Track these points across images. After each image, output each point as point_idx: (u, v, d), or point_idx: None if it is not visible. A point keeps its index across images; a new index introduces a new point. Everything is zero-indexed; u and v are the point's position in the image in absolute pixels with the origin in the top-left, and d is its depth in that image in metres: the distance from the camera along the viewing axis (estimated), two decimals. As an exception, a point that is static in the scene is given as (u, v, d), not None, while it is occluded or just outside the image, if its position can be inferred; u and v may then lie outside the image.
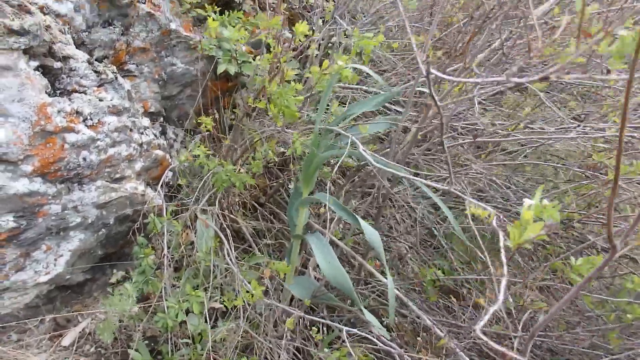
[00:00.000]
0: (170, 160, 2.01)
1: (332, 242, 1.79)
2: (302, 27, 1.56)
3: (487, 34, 1.69)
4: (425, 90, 1.68)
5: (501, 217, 1.12)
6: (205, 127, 1.77)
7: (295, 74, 1.73)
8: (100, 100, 1.73)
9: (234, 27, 1.76)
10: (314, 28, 2.14)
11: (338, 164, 1.55)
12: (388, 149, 1.78)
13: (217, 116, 1.99)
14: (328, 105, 1.68)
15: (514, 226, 0.81)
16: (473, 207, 1.06)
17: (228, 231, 1.85)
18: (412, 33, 2.63)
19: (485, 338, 0.76)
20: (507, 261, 0.89)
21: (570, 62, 0.85)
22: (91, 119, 1.70)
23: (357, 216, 1.57)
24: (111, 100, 1.76)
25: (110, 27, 1.85)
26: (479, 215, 1.06)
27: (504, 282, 0.86)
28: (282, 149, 1.89)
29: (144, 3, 1.95)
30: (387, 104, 2.03)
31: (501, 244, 0.93)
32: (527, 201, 0.84)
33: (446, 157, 1.35)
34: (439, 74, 0.61)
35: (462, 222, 2.05)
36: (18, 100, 1.50)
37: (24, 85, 1.50)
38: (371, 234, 1.54)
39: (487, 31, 1.68)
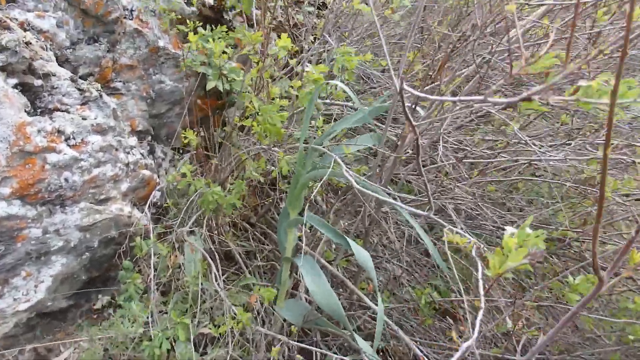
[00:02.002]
0: (158, 180, 1.94)
1: (323, 266, 1.73)
2: (284, 41, 1.52)
3: (464, 55, 1.66)
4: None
5: (482, 246, 1.06)
6: (190, 143, 1.70)
7: (285, 92, 1.69)
8: (84, 119, 1.66)
9: (215, 40, 1.71)
10: (304, 45, 2.10)
11: (319, 185, 1.50)
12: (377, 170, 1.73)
13: (206, 135, 1.93)
14: (312, 124, 1.62)
15: (495, 254, 0.75)
16: (451, 234, 1.00)
17: (216, 254, 1.78)
18: (397, 50, 2.60)
19: None
20: (488, 289, 0.83)
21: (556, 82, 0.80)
22: (74, 138, 1.63)
23: (346, 237, 1.51)
24: (95, 118, 1.70)
25: (96, 44, 1.79)
26: (458, 243, 1.00)
27: (479, 314, 0.80)
28: (272, 167, 1.83)
29: (132, 19, 1.89)
30: (376, 121, 1.98)
31: (479, 274, 0.86)
32: (509, 229, 0.78)
33: (424, 181, 1.29)
34: (412, 91, 0.56)
35: (452, 242, 1.99)
36: (-4, 120, 1.43)
37: (1, 103, 1.43)
38: (361, 255, 1.49)
39: (464, 52, 1.65)
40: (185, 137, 1.78)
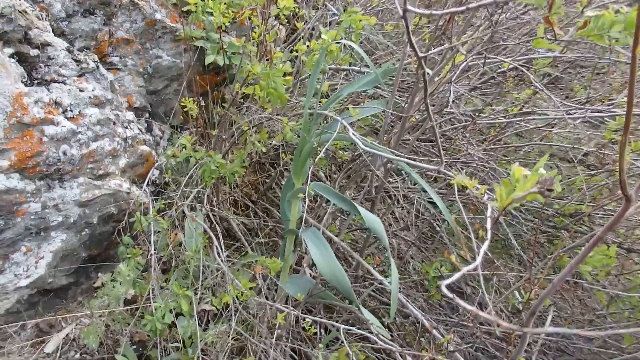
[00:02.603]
0: (156, 157, 1.94)
1: (328, 238, 1.73)
2: (286, 1, 1.50)
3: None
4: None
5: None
6: (190, 115, 1.70)
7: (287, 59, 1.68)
8: (81, 90, 1.67)
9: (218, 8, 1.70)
10: (305, 12, 2.09)
11: (325, 147, 1.48)
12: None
13: (205, 112, 1.93)
14: (318, 87, 1.61)
15: (502, 184, 0.73)
16: (459, 177, 0.98)
17: (218, 229, 1.78)
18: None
19: (449, 294, 0.67)
20: (496, 219, 0.81)
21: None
22: (71, 111, 1.64)
23: (353, 203, 1.51)
24: (93, 90, 1.70)
25: (92, 17, 1.79)
26: (467, 187, 0.98)
27: (485, 245, 0.78)
28: (274, 141, 1.83)
29: (128, -8, 1.89)
30: (382, 90, 1.97)
31: (488, 212, 0.85)
32: (516, 164, 0.76)
33: (432, 128, 1.26)
34: (416, 10, 0.54)
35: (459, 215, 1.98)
36: (-8, 90, 1.44)
37: (-2, 74, 1.44)
38: (371, 220, 1.49)
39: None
40: (185, 110, 1.78)
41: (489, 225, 0.71)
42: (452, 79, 1.63)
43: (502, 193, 0.66)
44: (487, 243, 0.68)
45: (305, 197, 1.39)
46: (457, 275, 0.73)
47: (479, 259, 0.72)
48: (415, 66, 1.68)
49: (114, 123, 1.78)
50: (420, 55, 1.13)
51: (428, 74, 1.77)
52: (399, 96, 1.94)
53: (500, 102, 1.95)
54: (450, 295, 0.68)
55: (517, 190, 0.65)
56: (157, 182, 1.96)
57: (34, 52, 1.54)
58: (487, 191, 0.99)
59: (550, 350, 1.98)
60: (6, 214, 1.55)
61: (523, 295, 1.75)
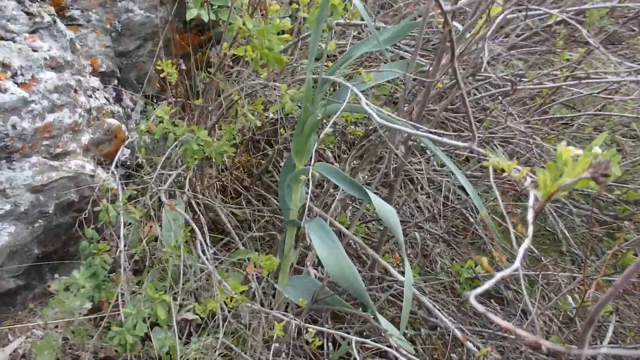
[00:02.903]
0: (127, 133, 1.89)
1: (337, 231, 1.68)
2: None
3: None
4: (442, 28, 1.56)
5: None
6: (168, 79, 1.64)
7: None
8: (35, 50, 1.61)
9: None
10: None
11: (332, 120, 1.43)
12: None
13: (186, 79, 1.88)
14: (323, 48, 1.56)
15: (547, 168, 0.68)
16: (495, 158, 0.93)
17: (203, 220, 1.73)
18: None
19: (480, 307, 0.62)
20: (539, 210, 0.76)
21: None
22: (22, 75, 1.59)
23: (365, 189, 1.47)
24: (48, 50, 1.65)
25: (46, -40, 1.74)
26: (503, 171, 0.93)
27: (525, 242, 0.74)
28: (269, 114, 1.77)
29: None
30: (401, 50, 1.91)
31: (530, 201, 0.80)
32: (564, 142, 0.71)
33: (462, 96, 1.21)
34: None
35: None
36: None
37: None
38: (385, 210, 1.45)
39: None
40: (162, 76, 1.72)
41: (530, 217, 0.65)
42: (487, 36, 1.57)
43: (546, 179, 0.62)
44: (528, 240, 0.62)
45: (309, 180, 1.34)
46: (490, 283, 0.68)
47: (518, 261, 0.67)
48: (440, 21, 1.63)
49: (75, 91, 1.73)
50: (447, 8, 1.07)
51: (457, 30, 1.71)
52: (423, 58, 1.88)
53: (547, 65, 1.89)
54: (481, 308, 0.63)
55: (565, 175, 0.61)
56: (128, 163, 1.91)
57: (-26, -1, 1.49)
58: (530, 174, 0.94)
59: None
60: (-59, 201, 1.50)
61: (577, 300, 1.70)
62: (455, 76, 1.03)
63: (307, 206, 1.59)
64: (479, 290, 0.64)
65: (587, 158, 0.65)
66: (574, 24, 1.68)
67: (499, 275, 0.70)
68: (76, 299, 1.53)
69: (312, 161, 1.35)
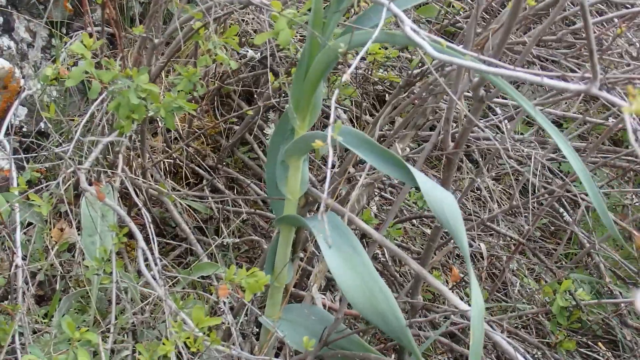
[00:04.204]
0: (22, 82, 1.39)
1: (359, 234, 1.26)
2: None
3: None
4: None
5: None
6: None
7: None
8: None
9: None
10: None
11: (358, 58, 0.90)
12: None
13: None
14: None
15: None
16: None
17: (147, 217, 1.22)
18: None
19: None
20: None
21: None
22: None
23: (406, 164, 1.03)
24: None
25: None
26: None
27: None
28: (248, 51, 1.20)
29: None
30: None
31: None
32: None
33: (581, 4, 0.71)
34: None
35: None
36: None
37: None
38: (438, 200, 1.01)
39: None
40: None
41: None
42: None
43: None
44: None
45: (329, 145, 0.80)
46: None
47: None
48: None
49: None
50: None
51: None
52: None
53: None
54: None
55: None
56: (25, 129, 1.44)
57: None
58: None
59: None
60: None
61: None
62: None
63: (309, 197, 1.10)
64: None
65: None
66: None
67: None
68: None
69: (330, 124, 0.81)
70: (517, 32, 1.21)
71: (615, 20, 1.14)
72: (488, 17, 1.29)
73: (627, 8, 1.16)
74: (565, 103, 1.44)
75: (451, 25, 1.64)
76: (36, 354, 1.12)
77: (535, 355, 1.15)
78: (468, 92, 1.11)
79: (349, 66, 0.88)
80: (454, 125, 1.11)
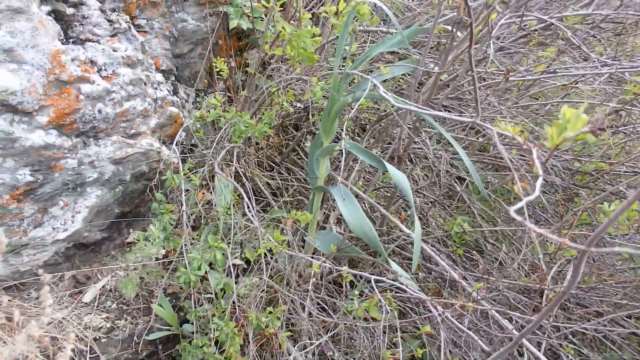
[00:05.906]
0: (183, 119, 2.03)
1: (355, 195, 1.82)
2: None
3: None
4: (448, 27, 1.70)
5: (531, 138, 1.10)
6: (220, 73, 1.78)
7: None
8: (115, 50, 1.75)
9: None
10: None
11: (357, 105, 1.56)
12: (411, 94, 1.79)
13: (229, 77, 2.00)
14: (346, 48, 1.69)
15: (553, 125, 0.80)
16: (502, 124, 1.06)
17: (248, 186, 1.87)
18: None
19: (519, 218, 0.74)
20: (546, 161, 0.87)
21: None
22: (105, 70, 1.72)
23: (381, 159, 1.59)
24: (125, 50, 1.78)
25: (121, -21, 1.87)
26: (509, 134, 1.06)
27: (539, 181, 0.85)
28: (298, 104, 1.90)
29: (154, -45, 1.97)
30: (409, 50, 2.04)
31: (534, 155, 0.92)
32: (565, 106, 0.83)
33: (473, 79, 1.32)
34: None
35: (487, 179, 2.05)
36: (32, 46, 1.52)
37: (36, 30, 1.52)
38: (398, 177, 1.56)
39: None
40: (209, 73, 1.86)
41: (538, 164, 0.77)
42: (492, 33, 1.68)
43: (553, 133, 0.72)
44: (540, 180, 0.74)
45: (343, 150, 1.47)
46: (523, 202, 0.78)
47: (537, 190, 0.78)
48: (462, 14, 1.74)
49: (145, 84, 1.86)
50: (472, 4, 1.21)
51: (457, 36, 1.83)
52: (429, 57, 2.00)
53: (525, 61, 2.01)
54: (519, 217, 0.73)
55: (568, 130, 0.71)
56: (184, 143, 2.05)
57: (69, 10, 1.62)
58: (528, 140, 1.07)
59: (569, 302, 2.06)
60: (45, 169, 1.64)
61: (548, 247, 1.84)
62: (470, 61, 1.15)
63: (330, 177, 1.73)
64: (517, 205, 0.75)
65: (585, 118, 0.76)
66: (559, 25, 1.81)
67: (526, 199, 0.81)
68: (153, 246, 1.68)
69: (343, 141, 1.48)
70: (436, 92, 1.91)
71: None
72: (424, 80, 2.02)
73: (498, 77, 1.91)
74: (460, 128, 2.14)
75: (401, 89, 2.32)
76: (195, 254, 1.81)
77: (442, 255, 1.89)
78: (410, 123, 1.84)
79: (352, 109, 1.62)
80: (403, 140, 1.86)
